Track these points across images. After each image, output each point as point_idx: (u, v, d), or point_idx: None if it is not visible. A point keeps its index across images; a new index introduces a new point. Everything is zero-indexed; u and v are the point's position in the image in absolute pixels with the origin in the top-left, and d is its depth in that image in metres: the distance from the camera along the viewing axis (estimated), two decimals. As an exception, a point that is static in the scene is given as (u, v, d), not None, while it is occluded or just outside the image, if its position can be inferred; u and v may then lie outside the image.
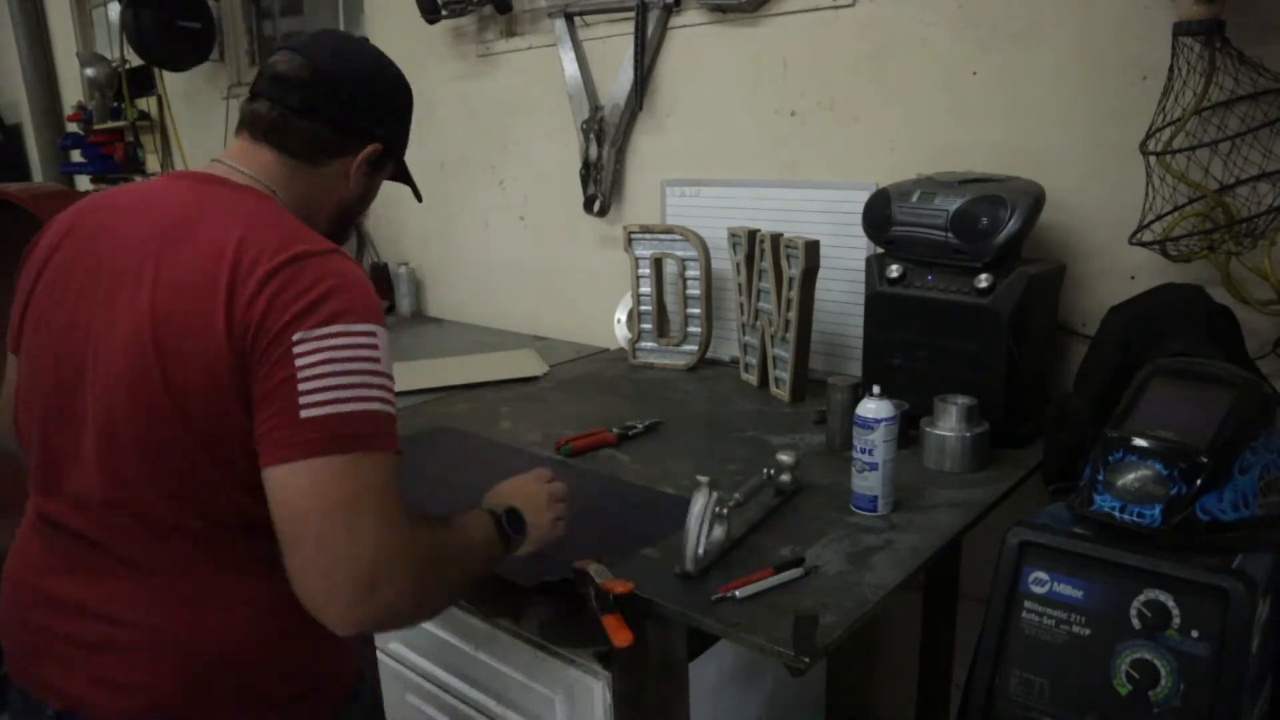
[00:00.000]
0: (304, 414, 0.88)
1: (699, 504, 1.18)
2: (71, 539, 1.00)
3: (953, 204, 1.59)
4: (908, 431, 1.56)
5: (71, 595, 0.99)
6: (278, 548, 0.90)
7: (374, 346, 0.93)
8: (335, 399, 0.89)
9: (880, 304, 1.70)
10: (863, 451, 1.35)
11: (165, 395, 0.92)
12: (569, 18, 2.44)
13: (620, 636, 1.13)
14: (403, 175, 1.26)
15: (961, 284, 1.59)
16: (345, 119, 1.11)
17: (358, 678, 1.18)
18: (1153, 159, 1.50)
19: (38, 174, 5.59)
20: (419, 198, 1.36)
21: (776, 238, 1.89)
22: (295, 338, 0.90)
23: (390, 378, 0.95)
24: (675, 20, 2.27)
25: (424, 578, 0.95)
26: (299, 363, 0.89)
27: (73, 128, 4.92)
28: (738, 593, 1.13)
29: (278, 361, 0.90)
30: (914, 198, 1.65)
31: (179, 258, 0.96)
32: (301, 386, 0.89)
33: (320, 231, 1.04)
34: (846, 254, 1.95)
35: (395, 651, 1.66)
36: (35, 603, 1.03)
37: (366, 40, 1.19)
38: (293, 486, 0.89)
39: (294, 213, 1.05)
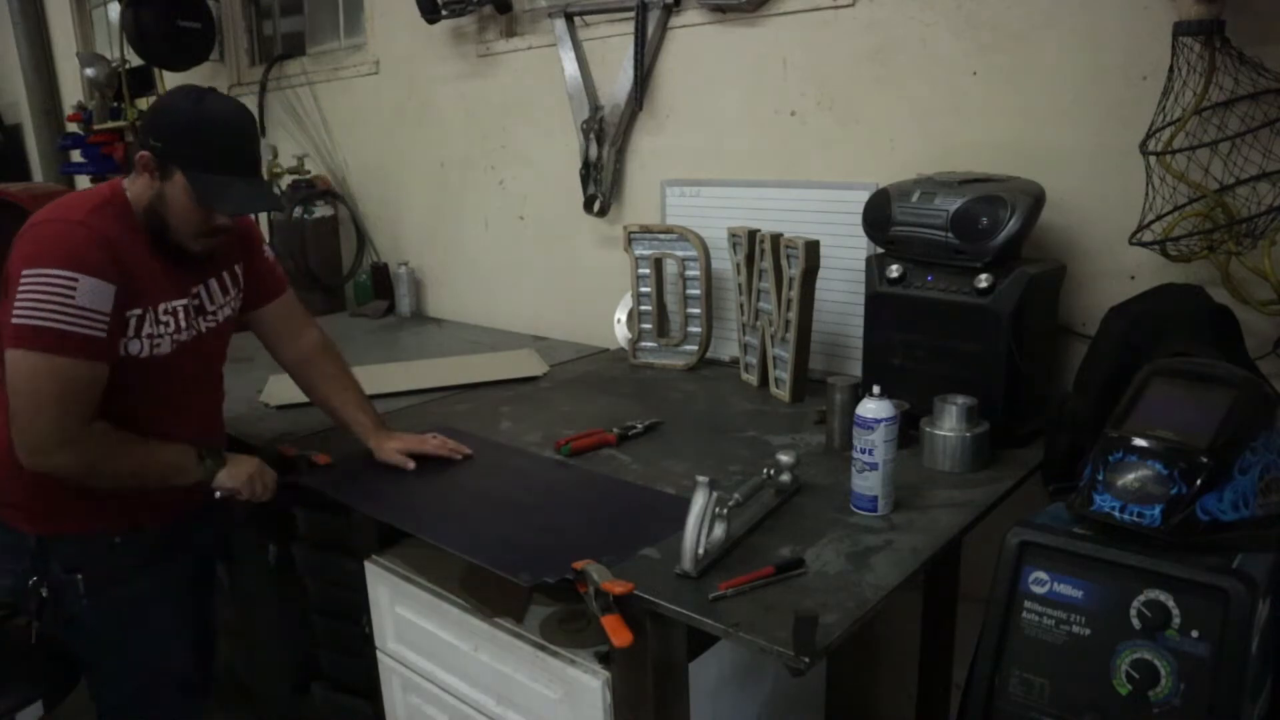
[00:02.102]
0: (14, 320, 1.34)
1: (699, 504, 1.18)
2: None
3: (953, 204, 1.59)
4: (908, 431, 1.56)
5: None
6: None
7: (71, 286, 1.35)
8: (34, 315, 1.34)
9: (880, 304, 1.70)
10: (863, 451, 1.35)
11: None
12: (569, 18, 2.44)
13: (620, 636, 1.13)
14: (201, 194, 1.47)
15: (961, 284, 1.59)
16: (139, 136, 1.54)
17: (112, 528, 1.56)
18: (1153, 159, 1.50)
19: (38, 174, 5.59)
20: (228, 212, 1.53)
21: (776, 238, 1.89)
22: (25, 273, 1.35)
23: (91, 310, 1.36)
24: (675, 20, 2.27)
25: (91, 461, 1.41)
26: (21, 287, 1.34)
27: (73, 128, 4.91)
28: (729, 592, 1.13)
29: (14, 286, 1.35)
30: (914, 198, 1.65)
31: None
32: (17, 302, 1.34)
33: (149, 224, 1.48)
34: (846, 254, 1.95)
35: (395, 651, 1.66)
36: None
37: (190, 87, 1.51)
38: (9, 366, 1.37)
39: (135, 201, 1.49)
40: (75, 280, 1.35)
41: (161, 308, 1.50)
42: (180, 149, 1.44)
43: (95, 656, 1.62)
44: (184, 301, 1.55)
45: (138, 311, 1.46)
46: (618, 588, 1.14)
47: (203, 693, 1.77)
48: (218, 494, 1.56)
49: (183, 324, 1.54)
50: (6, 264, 1.40)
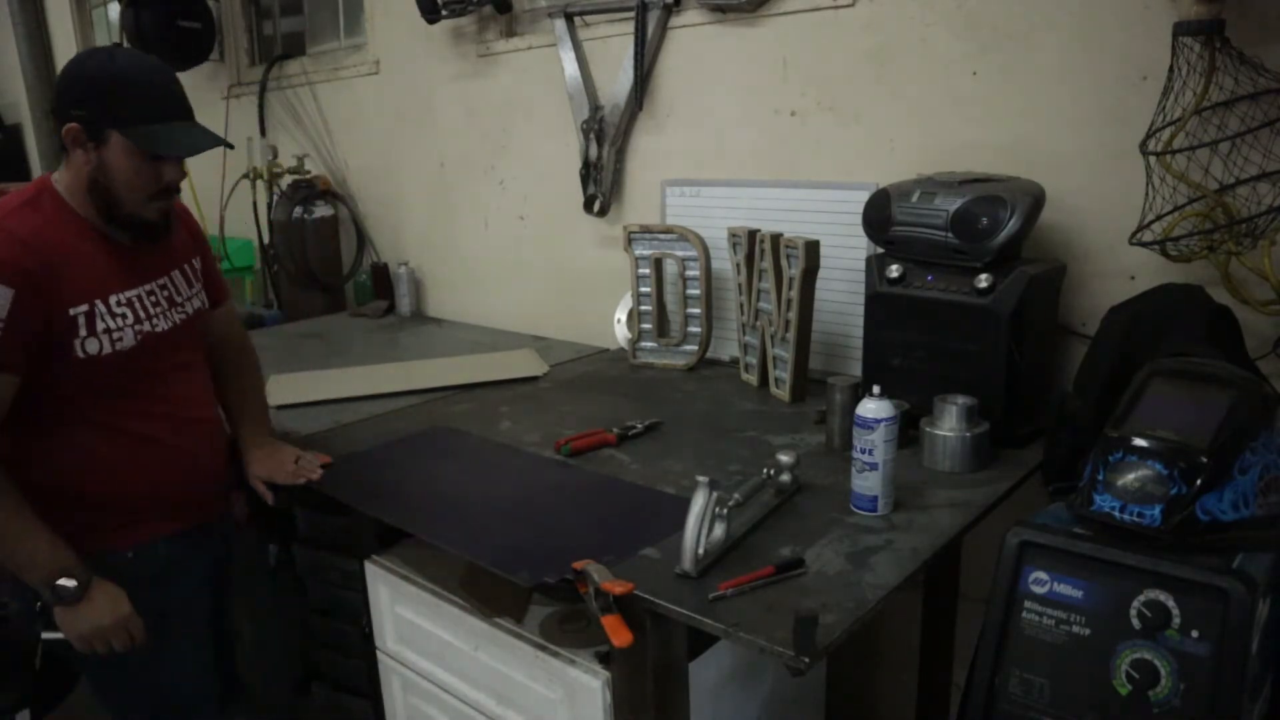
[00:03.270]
0: None
1: (699, 504, 1.18)
2: None
3: (953, 204, 1.59)
4: (908, 431, 1.56)
5: None
6: None
7: None
8: None
9: (880, 304, 1.70)
10: (863, 451, 1.35)
11: None
12: (569, 18, 2.44)
13: (620, 637, 1.13)
14: (149, 142, 1.41)
15: (961, 284, 1.59)
16: (58, 115, 1.40)
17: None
18: (1153, 159, 1.50)
19: (37, 174, 5.58)
20: (180, 152, 1.48)
21: (776, 238, 1.89)
22: None
23: None
24: (675, 20, 2.27)
25: None
26: None
27: (73, 128, 4.91)
28: (729, 592, 1.13)
29: None
30: (914, 198, 1.65)
31: None
32: None
33: (96, 203, 1.42)
34: (846, 254, 1.95)
35: (395, 651, 1.66)
36: None
37: (94, 48, 1.45)
38: None
39: (70, 192, 1.43)
40: None
41: (114, 300, 1.44)
42: (109, 108, 1.37)
43: (111, 678, 1.56)
44: (140, 290, 1.48)
45: (83, 308, 1.39)
46: (617, 588, 1.14)
47: (227, 700, 1.73)
48: (42, 636, 1.44)
49: (143, 314, 1.48)
50: None
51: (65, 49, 5.13)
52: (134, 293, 1.47)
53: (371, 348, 2.67)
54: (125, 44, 3.87)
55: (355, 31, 3.35)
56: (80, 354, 1.40)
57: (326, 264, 3.29)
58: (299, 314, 3.29)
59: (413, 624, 1.59)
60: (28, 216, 1.37)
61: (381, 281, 3.19)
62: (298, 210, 3.17)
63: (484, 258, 2.95)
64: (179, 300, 1.57)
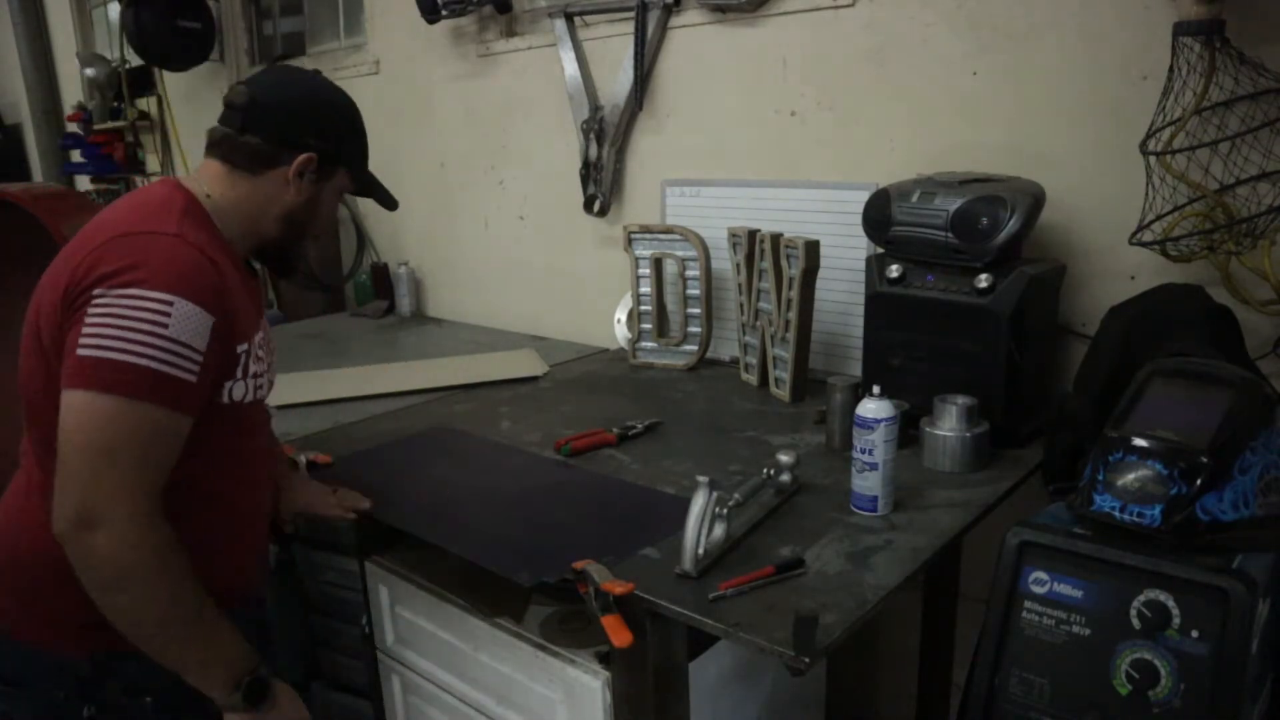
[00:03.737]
0: (79, 351, 1.05)
1: (699, 504, 1.18)
2: None
3: (953, 204, 1.59)
4: (908, 431, 1.56)
5: None
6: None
7: (164, 313, 1.06)
8: (106, 345, 1.04)
9: (880, 304, 1.70)
10: (863, 451, 1.35)
11: (36, 354, 1.13)
12: (569, 18, 2.44)
13: (620, 637, 1.13)
14: (365, 187, 1.38)
15: (961, 284, 1.59)
16: (278, 134, 1.26)
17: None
18: (1153, 159, 1.50)
19: (38, 174, 5.59)
20: (389, 206, 1.46)
21: (776, 238, 1.89)
22: (96, 293, 1.06)
23: (182, 344, 1.07)
24: (675, 20, 2.27)
25: (135, 561, 1.05)
26: (91, 311, 1.05)
27: (73, 128, 4.92)
28: (729, 592, 1.13)
29: (81, 310, 1.07)
30: (914, 198, 1.65)
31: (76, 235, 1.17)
32: (85, 330, 1.05)
33: (270, 233, 1.28)
34: (846, 254, 1.95)
35: (395, 651, 1.66)
36: None
37: (313, 72, 1.37)
38: (65, 414, 1.05)
39: (235, 213, 1.25)
40: (170, 305, 1.06)
41: (257, 339, 1.24)
42: (348, 147, 1.32)
43: None
44: (264, 333, 1.29)
45: (245, 346, 1.19)
46: (618, 588, 1.14)
47: None
48: None
49: (271, 360, 1.31)
50: (49, 289, 1.12)
51: (65, 49, 5.13)
52: (262, 335, 1.27)
53: (371, 348, 2.67)
54: (126, 44, 3.88)
55: (355, 31, 3.35)
56: (226, 400, 1.18)
57: (326, 264, 3.29)
58: (299, 314, 3.29)
59: (413, 624, 1.59)
60: (193, 229, 1.16)
61: (381, 281, 3.19)
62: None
63: (484, 258, 2.95)
64: (273, 353, 1.36)
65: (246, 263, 1.30)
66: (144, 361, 1.04)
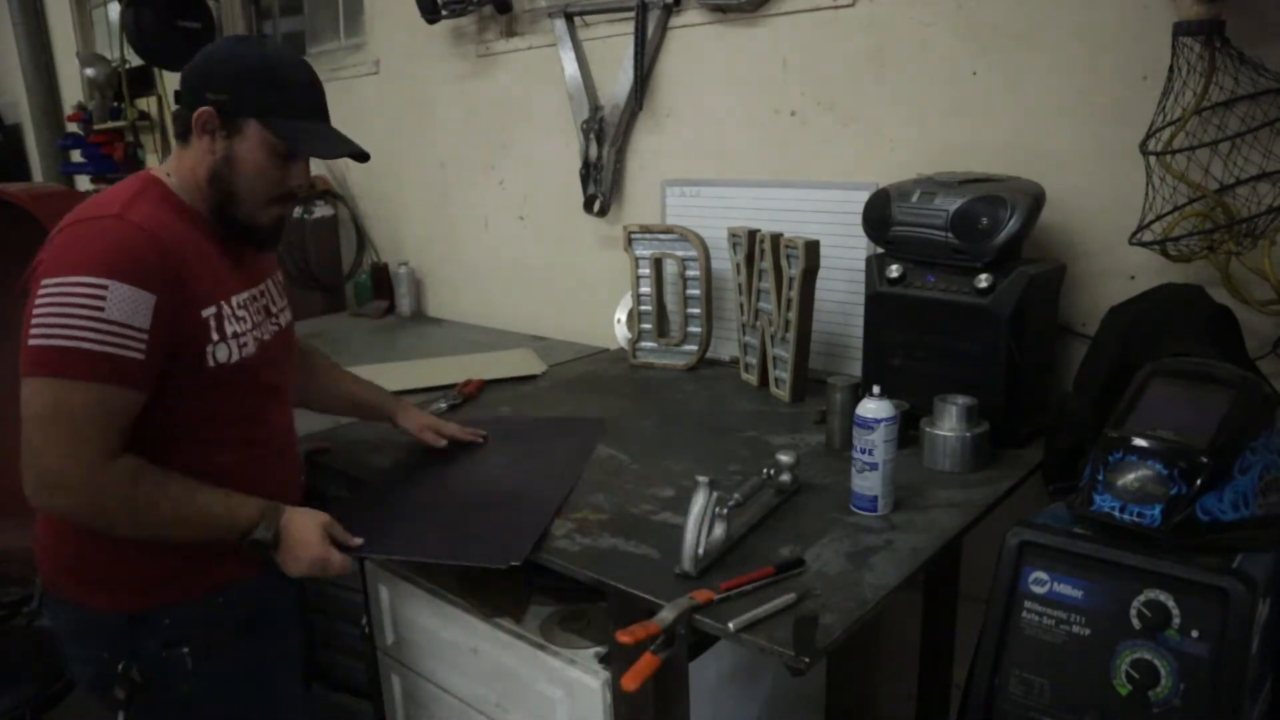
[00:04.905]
0: (30, 341, 1.13)
1: (699, 504, 1.18)
2: None
3: (953, 204, 1.59)
4: (908, 431, 1.56)
5: None
6: None
7: (100, 297, 1.12)
8: (50, 334, 1.12)
9: (880, 304, 1.70)
10: (863, 451, 1.35)
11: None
12: (569, 18, 2.44)
13: (636, 680, 1.04)
14: (293, 139, 1.30)
15: (961, 284, 1.59)
16: (186, 97, 1.28)
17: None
18: (1153, 159, 1.50)
19: (38, 174, 5.59)
20: (358, 159, 1.39)
21: (776, 238, 1.89)
22: (43, 284, 1.14)
23: (121, 324, 1.14)
24: (675, 20, 2.27)
25: (103, 504, 1.17)
26: (38, 302, 1.13)
27: (73, 128, 4.92)
28: (730, 592, 1.13)
29: (31, 300, 1.15)
30: (914, 198, 1.65)
31: None
32: (33, 319, 1.13)
33: (211, 198, 1.29)
34: (846, 254, 1.95)
35: (395, 651, 1.66)
36: None
37: (240, 35, 1.35)
38: (24, 400, 1.14)
39: (186, 185, 1.30)
40: (105, 288, 1.13)
41: (235, 300, 1.30)
42: (254, 95, 1.25)
43: None
44: (251, 292, 1.35)
45: (213, 309, 1.25)
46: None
47: None
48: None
49: (257, 318, 1.35)
50: (25, 280, 1.20)
51: (65, 49, 5.13)
52: (246, 295, 1.34)
53: (371, 348, 2.67)
54: (126, 44, 3.88)
55: (355, 31, 3.35)
56: (211, 362, 1.25)
57: (326, 264, 3.29)
58: (299, 314, 3.25)
59: (413, 624, 1.59)
60: (145, 207, 1.22)
61: (381, 281, 3.19)
62: (298, 210, 3.17)
63: (484, 258, 2.95)
64: (274, 311, 1.43)
65: (236, 231, 1.33)
66: (86, 345, 1.12)
